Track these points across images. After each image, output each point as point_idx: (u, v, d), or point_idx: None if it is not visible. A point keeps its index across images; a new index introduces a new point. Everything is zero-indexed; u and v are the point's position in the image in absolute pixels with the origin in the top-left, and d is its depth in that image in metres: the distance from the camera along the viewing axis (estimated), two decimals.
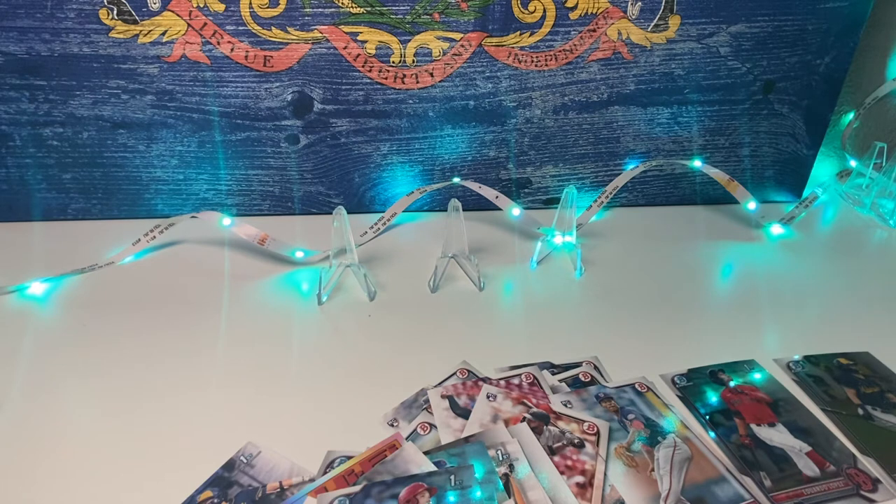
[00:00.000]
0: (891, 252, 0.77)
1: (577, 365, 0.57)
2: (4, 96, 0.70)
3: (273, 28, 0.70)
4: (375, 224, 0.77)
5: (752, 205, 0.79)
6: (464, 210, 0.65)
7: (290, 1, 0.68)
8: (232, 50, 0.70)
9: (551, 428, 0.49)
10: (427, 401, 0.52)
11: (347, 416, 0.51)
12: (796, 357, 0.59)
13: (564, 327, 0.62)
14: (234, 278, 0.68)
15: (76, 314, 0.62)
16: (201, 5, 0.68)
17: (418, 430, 0.49)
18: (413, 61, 0.73)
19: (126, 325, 0.61)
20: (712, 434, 0.50)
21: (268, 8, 0.68)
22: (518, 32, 0.72)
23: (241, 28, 0.69)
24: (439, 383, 0.54)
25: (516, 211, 0.75)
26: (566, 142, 0.80)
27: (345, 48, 0.71)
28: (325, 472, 0.45)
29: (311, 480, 0.45)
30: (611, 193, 0.80)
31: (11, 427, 0.50)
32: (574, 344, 0.60)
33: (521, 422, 0.50)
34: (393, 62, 0.73)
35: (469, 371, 0.55)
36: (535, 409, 0.51)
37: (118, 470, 0.46)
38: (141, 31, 0.68)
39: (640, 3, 0.72)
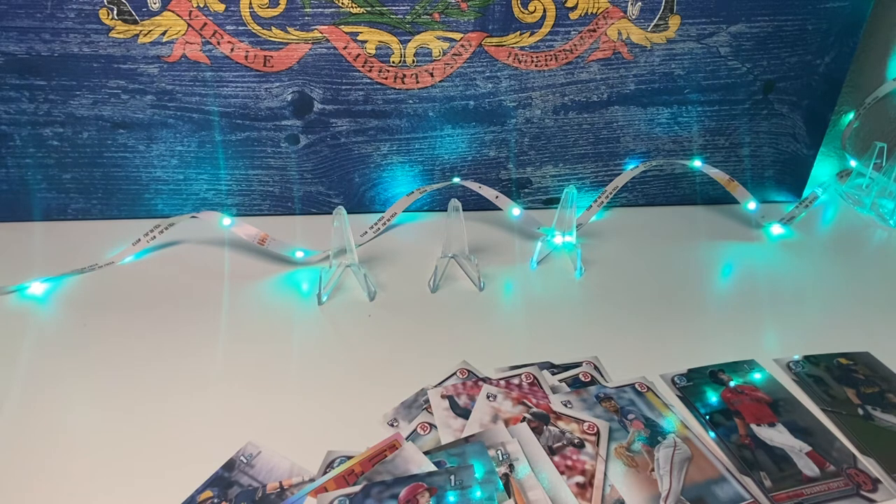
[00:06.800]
0: (891, 252, 0.77)
1: (577, 365, 0.57)
2: (4, 96, 0.70)
3: (273, 28, 0.70)
4: (375, 224, 0.77)
5: (752, 205, 0.79)
6: (464, 210, 0.65)
7: (290, 1, 0.68)
8: (232, 50, 0.70)
9: (551, 428, 0.49)
10: (427, 401, 0.52)
11: (347, 416, 0.51)
12: (796, 357, 0.59)
13: (564, 327, 0.62)
14: (234, 278, 0.68)
15: (76, 314, 0.62)
16: (201, 5, 0.68)
17: (418, 430, 0.49)
18: (413, 61, 0.73)
19: (126, 325, 0.61)
20: (712, 434, 0.50)
21: (268, 8, 0.68)
22: (518, 32, 0.72)
23: (241, 28, 0.69)
24: (439, 383, 0.54)
25: (516, 211, 0.75)
26: (566, 142, 0.80)
27: (345, 48, 0.71)
28: (325, 472, 0.45)
29: (311, 480, 0.45)
30: (611, 193, 0.80)
31: (11, 427, 0.50)
32: (574, 344, 0.60)
33: (521, 422, 0.50)
34: (393, 62, 0.73)
35: (469, 371, 0.55)
36: (535, 409, 0.51)
37: (118, 470, 0.46)
38: (141, 31, 0.68)
39: (640, 3, 0.72)
